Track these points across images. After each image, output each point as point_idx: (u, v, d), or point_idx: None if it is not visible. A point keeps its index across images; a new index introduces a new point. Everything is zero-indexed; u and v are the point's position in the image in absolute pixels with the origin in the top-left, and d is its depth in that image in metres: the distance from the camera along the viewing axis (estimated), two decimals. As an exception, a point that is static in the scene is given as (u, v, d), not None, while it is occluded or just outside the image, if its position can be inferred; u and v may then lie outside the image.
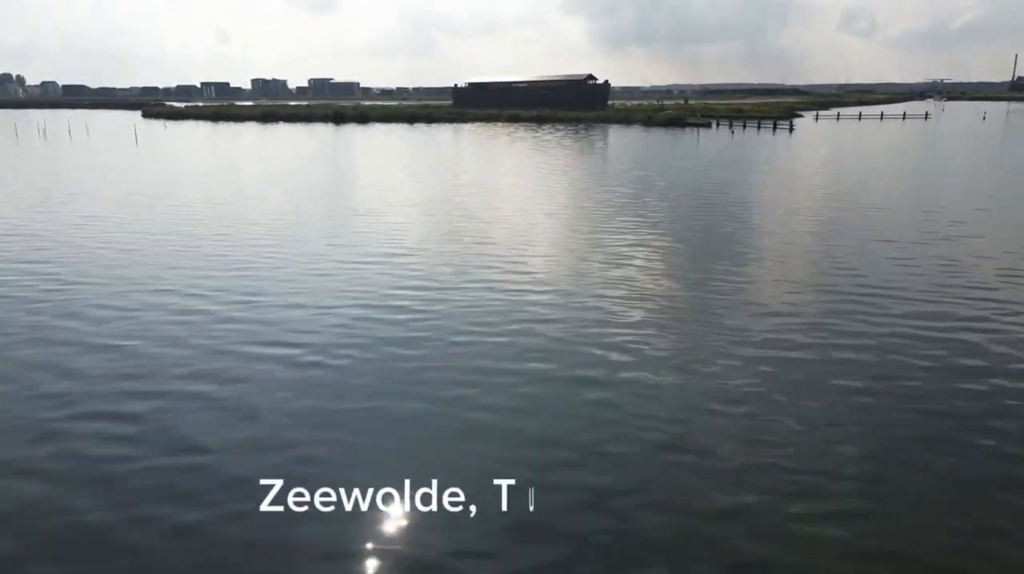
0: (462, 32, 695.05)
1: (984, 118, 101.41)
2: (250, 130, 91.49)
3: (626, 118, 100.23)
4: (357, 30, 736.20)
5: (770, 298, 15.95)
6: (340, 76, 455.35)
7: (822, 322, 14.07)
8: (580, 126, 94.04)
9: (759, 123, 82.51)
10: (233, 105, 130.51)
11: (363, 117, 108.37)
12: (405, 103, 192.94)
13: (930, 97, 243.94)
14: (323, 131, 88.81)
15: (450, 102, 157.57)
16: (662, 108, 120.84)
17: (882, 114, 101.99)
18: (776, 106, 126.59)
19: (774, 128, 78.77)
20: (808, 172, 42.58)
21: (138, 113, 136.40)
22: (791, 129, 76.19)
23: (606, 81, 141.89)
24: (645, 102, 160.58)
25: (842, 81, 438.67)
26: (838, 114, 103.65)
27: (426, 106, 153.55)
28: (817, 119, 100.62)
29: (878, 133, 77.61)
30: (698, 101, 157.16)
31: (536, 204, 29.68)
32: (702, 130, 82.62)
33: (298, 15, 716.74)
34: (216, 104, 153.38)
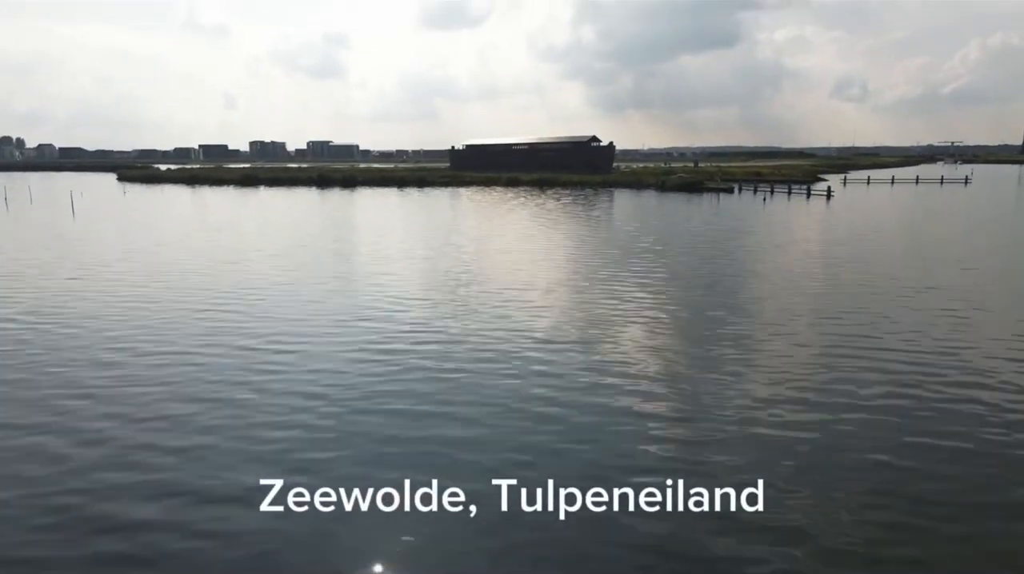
0: (463, 98, 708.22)
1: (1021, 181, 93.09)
2: (218, 196, 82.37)
3: (636, 182, 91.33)
4: (361, 96, 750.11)
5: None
6: (343, 140, 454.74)
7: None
8: (587, 191, 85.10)
9: (789, 188, 73.14)
10: (212, 167, 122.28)
11: (349, 181, 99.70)
12: (400, 165, 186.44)
13: (940, 160, 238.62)
14: (299, 197, 79.62)
15: (448, 164, 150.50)
16: (672, 171, 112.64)
17: (917, 178, 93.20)
18: (796, 169, 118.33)
19: (808, 194, 69.45)
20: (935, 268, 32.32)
21: (114, 176, 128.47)
22: (828, 196, 66.80)
23: (611, 143, 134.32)
24: (651, 164, 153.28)
25: (837, 144, 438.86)
26: (868, 178, 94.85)
27: (421, 168, 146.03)
28: (845, 183, 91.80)
29: (931, 199, 68.40)
30: (709, 163, 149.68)
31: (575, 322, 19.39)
32: (723, 195, 73.46)
33: (304, 81, 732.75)
34: (194, 167, 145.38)
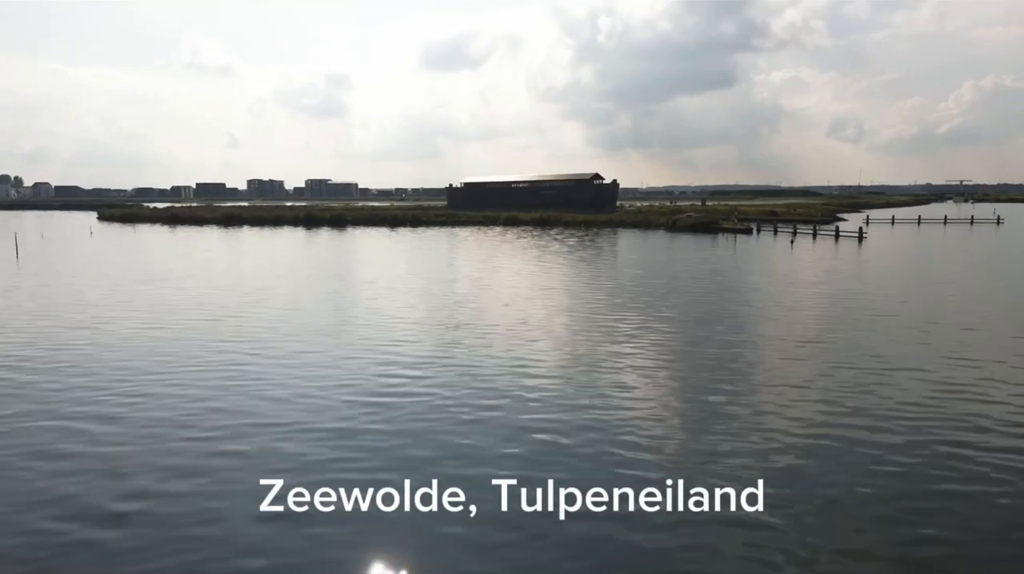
0: (464, 137, 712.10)
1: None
2: (196, 236, 76.20)
3: (644, 222, 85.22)
4: (363, 135, 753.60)
5: None
6: (345, 178, 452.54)
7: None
8: (592, 231, 79.02)
9: (815, 229, 66.79)
10: (196, 206, 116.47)
11: (338, 220, 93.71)
12: (396, 203, 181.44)
13: (950, 199, 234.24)
14: (281, 238, 73.44)
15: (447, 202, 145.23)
16: (679, 210, 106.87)
17: (945, 218, 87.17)
18: (811, 208, 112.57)
19: (836, 235, 63.17)
20: None
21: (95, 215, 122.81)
22: (860, 237, 60.52)
23: (614, 181, 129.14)
24: (656, 203, 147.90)
25: (836, 183, 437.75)
26: (893, 218, 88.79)
27: (417, 206, 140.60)
28: (868, 223, 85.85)
29: (974, 240, 62.21)
30: (717, 202, 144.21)
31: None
32: (739, 237, 67.29)
33: (306, 120, 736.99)
34: (177, 206, 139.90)
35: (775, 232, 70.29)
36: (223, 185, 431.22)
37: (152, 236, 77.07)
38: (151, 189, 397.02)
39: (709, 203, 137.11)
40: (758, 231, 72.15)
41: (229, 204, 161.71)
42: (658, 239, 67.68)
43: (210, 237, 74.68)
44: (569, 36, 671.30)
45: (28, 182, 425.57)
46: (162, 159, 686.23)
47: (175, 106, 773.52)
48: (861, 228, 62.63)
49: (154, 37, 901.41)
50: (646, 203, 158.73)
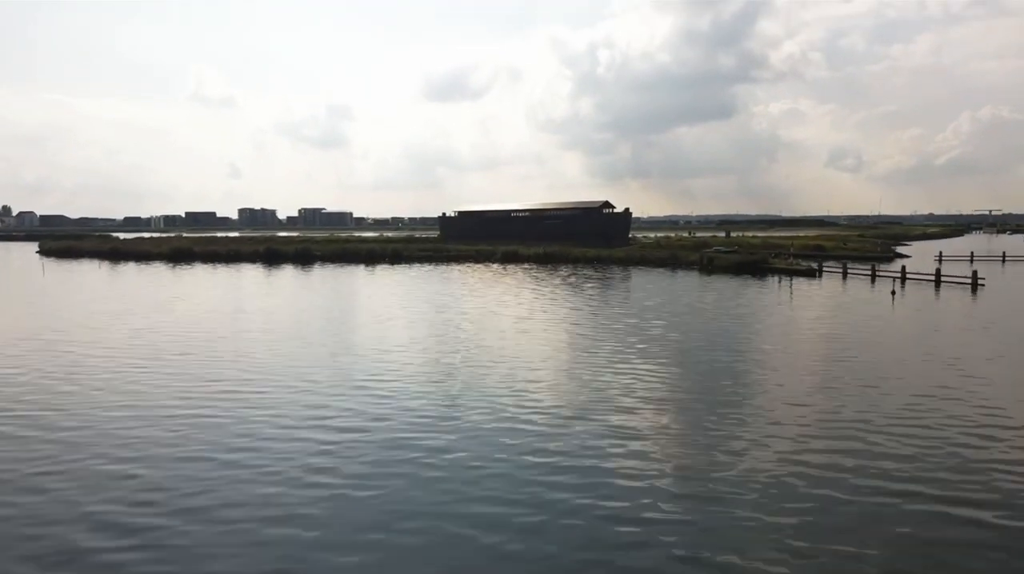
0: (464, 167, 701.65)
1: None
2: (124, 276, 61.04)
3: (671, 259, 70.13)
4: (364, 165, 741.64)
5: None
6: (345, 207, 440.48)
7: None
8: (607, 270, 64.06)
9: (903, 273, 51.26)
10: (142, 239, 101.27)
11: (303, 256, 78.77)
12: (385, 234, 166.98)
13: (978, 229, 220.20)
14: (227, 279, 58.29)
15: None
16: (705, 243, 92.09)
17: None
18: (863, 242, 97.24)
19: (937, 282, 48.07)
20: None
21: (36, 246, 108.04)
22: (975, 285, 45.56)
23: (627, 210, 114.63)
24: (672, 235, 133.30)
25: (836, 212, 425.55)
26: (972, 254, 73.80)
27: (409, 238, 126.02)
28: (940, 261, 71.00)
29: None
30: (745, 234, 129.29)
31: None
32: (797, 280, 52.36)
33: (308, 151, 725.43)
34: (118, 237, 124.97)
35: (844, 274, 55.11)
36: (214, 214, 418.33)
37: (82, 276, 61.98)
38: (139, 218, 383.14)
39: (735, 234, 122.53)
40: (819, 272, 56.92)
41: (231, 234, 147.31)
42: (693, 282, 52.65)
43: (158, 278, 59.51)
44: (569, 68, 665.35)
45: (12, 211, 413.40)
46: (165, 190, 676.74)
47: (177, 136, 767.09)
48: (975, 272, 47.29)
49: (158, 69, 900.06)
50: (660, 234, 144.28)
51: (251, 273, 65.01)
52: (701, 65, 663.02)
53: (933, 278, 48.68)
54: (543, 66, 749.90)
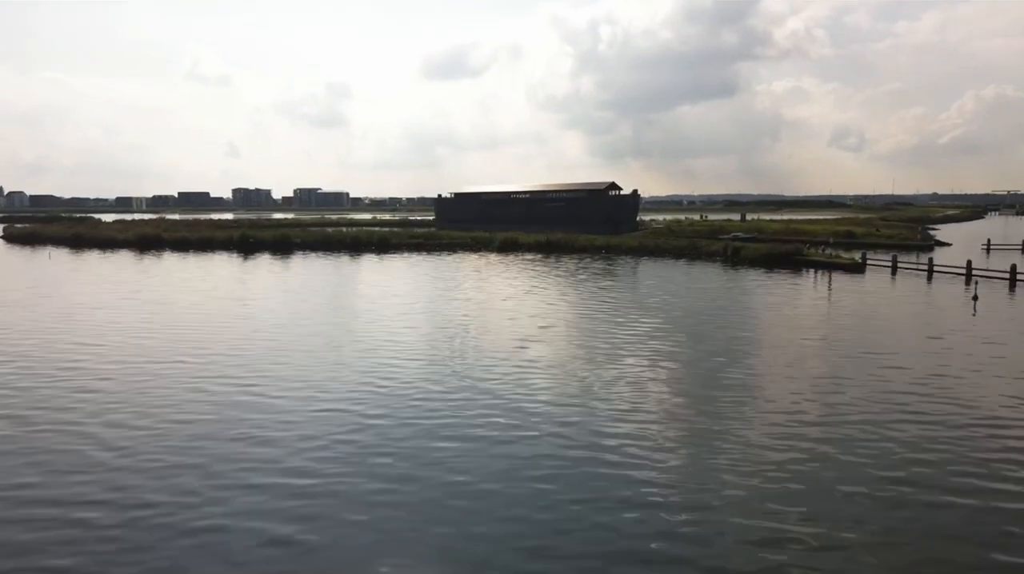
0: (464, 147, 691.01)
1: None
2: (76, 267, 53.79)
3: (690, 248, 62.76)
4: (363, 144, 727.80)
5: None
6: (343, 187, 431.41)
7: None
8: (618, 261, 56.87)
9: (968, 270, 43.80)
10: (108, 224, 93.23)
11: (281, 244, 71.51)
12: (379, 216, 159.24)
13: (995, 211, 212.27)
14: (192, 271, 50.99)
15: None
16: (722, 229, 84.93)
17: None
18: (897, 228, 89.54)
19: (1012, 281, 40.84)
20: None
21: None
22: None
23: (635, 191, 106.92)
24: (683, 217, 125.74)
25: (837, 192, 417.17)
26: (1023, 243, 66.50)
27: (403, 220, 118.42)
28: (988, 251, 63.98)
29: None
30: (760, 217, 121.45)
31: None
32: (837, 275, 45.36)
33: (307, 130, 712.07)
34: (92, 219, 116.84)
35: (894, 268, 47.86)
36: (207, 194, 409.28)
37: (30, 265, 54.68)
38: (130, 199, 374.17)
39: (750, 217, 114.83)
40: (862, 265, 49.56)
41: (227, 216, 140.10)
42: (720, 278, 45.53)
43: (115, 272, 52.18)
44: (569, 45, 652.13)
45: (31, 191, 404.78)
46: (164, 170, 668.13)
47: (176, 116, 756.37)
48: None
49: (154, 47, 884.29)
50: (668, 217, 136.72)
51: (217, 264, 57.72)
52: (704, 42, 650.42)
53: (1007, 276, 41.36)
54: (544, 44, 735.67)
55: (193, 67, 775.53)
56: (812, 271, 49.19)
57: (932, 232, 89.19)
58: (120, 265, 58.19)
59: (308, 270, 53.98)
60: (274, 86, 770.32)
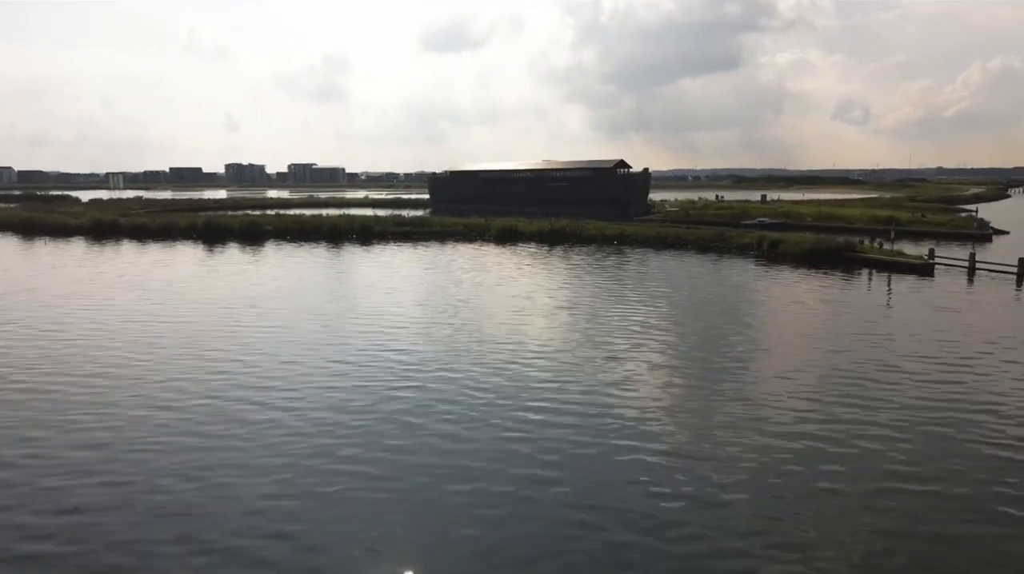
0: (465, 120, 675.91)
1: None
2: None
3: (716, 240, 54.39)
4: (363, 117, 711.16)
5: None
6: (342, 162, 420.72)
7: None
8: (634, 256, 48.70)
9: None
10: (54, 211, 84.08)
11: (250, 231, 63.28)
12: (371, 195, 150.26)
13: (1017, 188, 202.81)
14: (138, 266, 42.76)
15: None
16: (746, 213, 76.67)
17: None
18: (941, 213, 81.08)
19: None
20: None
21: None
22: None
23: (645, 170, 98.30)
24: (696, 198, 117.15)
25: (841, 166, 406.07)
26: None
27: (396, 200, 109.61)
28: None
29: None
30: (780, 198, 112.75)
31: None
32: (902, 278, 37.35)
33: (306, 103, 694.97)
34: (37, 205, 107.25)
35: (971, 270, 39.64)
36: (199, 170, 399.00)
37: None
38: (119, 174, 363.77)
39: (771, 198, 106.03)
40: (931, 266, 41.29)
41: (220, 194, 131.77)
42: (759, 283, 37.45)
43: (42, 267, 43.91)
44: (571, 16, 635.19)
45: (27, 166, 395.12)
46: (163, 143, 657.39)
47: (173, 88, 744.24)
48: None
49: (149, 18, 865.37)
50: (680, 196, 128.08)
51: (179, 257, 49.48)
52: (707, 13, 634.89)
53: None
54: (545, 15, 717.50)
55: (190, 39, 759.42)
56: (867, 270, 41.11)
57: (981, 217, 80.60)
58: (58, 259, 49.98)
59: (279, 269, 45.72)
60: (272, 59, 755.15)
